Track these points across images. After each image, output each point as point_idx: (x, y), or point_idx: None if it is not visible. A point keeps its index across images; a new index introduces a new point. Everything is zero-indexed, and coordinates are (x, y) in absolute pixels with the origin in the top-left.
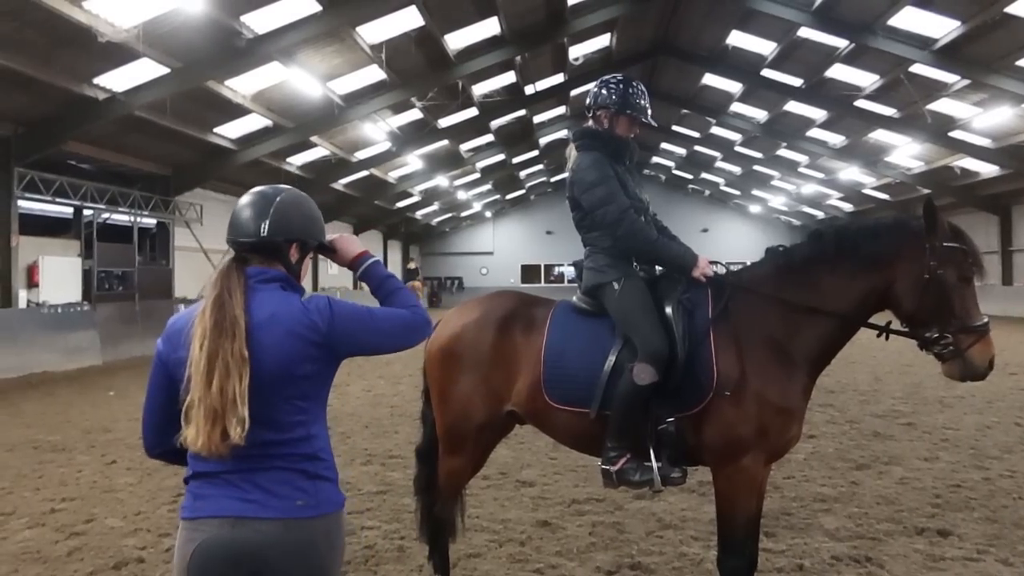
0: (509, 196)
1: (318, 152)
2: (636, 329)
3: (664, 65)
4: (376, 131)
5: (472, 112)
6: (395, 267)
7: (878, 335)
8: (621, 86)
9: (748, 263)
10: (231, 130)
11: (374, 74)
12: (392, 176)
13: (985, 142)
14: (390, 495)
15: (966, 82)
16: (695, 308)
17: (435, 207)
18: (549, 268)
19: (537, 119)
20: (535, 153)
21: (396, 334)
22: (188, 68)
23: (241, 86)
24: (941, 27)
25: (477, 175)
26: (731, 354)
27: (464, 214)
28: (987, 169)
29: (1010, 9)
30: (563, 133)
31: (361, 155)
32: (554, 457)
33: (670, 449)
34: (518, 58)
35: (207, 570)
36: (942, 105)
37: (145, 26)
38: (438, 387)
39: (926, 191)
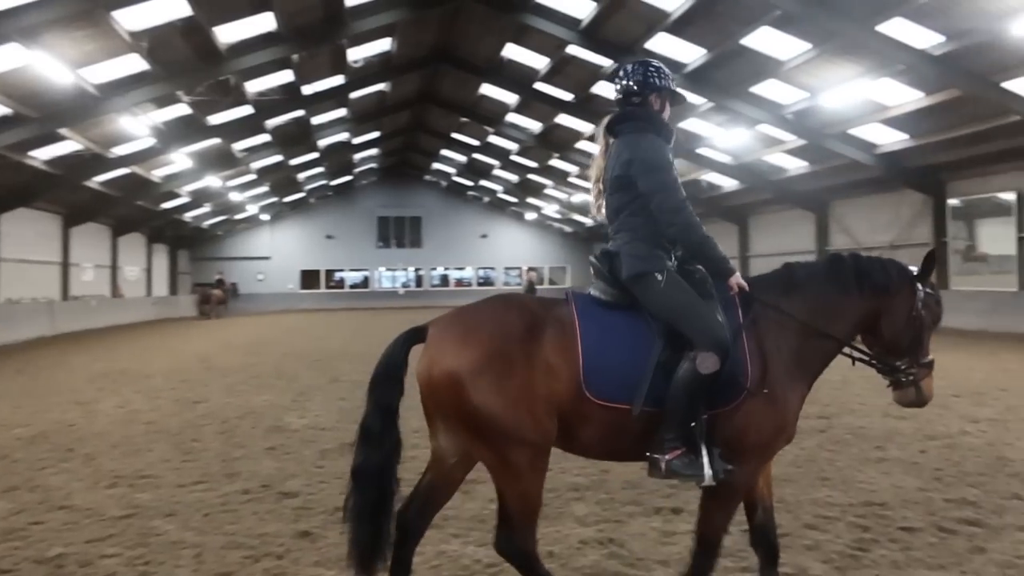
0: (287, 199)
1: (69, 146)
2: (692, 319)
3: (444, 73)
4: (137, 125)
5: (246, 110)
6: (161, 272)
7: (853, 363)
8: (665, 70)
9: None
10: None
11: (134, 64)
12: (156, 175)
13: (726, 159)
14: (137, 518)
15: (711, 104)
16: (726, 307)
17: (206, 209)
18: (330, 273)
19: (316, 120)
20: (315, 155)
21: None
22: None
23: None
24: (690, 54)
25: (253, 176)
26: (758, 356)
27: (238, 217)
28: (728, 183)
29: (745, 41)
30: (344, 136)
31: (120, 151)
32: (321, 466)
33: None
34: (295, 56)
35: None
36: (691, 124)
37: None
38: (486, 411)
39: None
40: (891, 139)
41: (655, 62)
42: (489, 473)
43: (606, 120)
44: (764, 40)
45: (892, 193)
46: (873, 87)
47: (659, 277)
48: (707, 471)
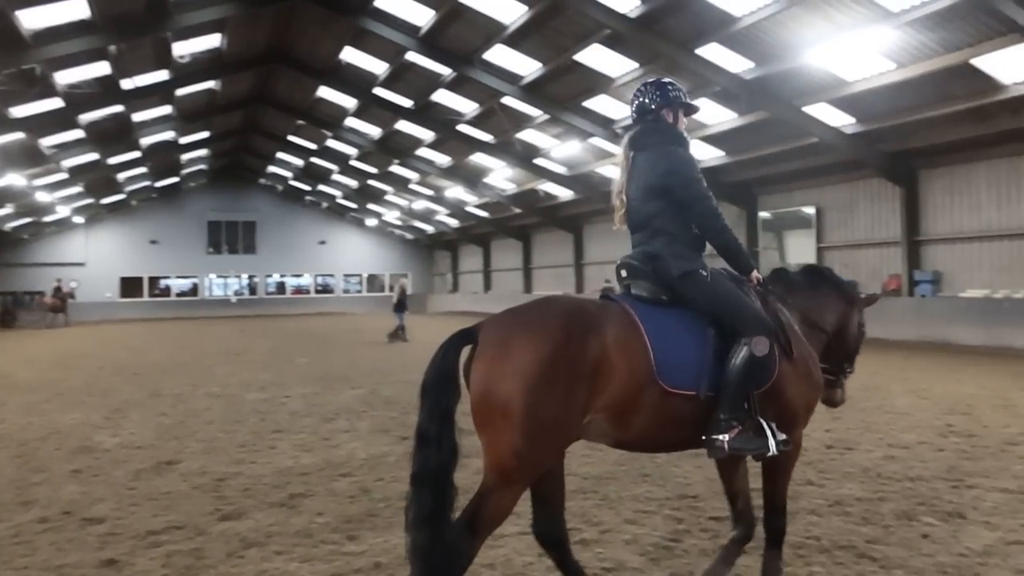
0: (105, 200)
1: None
2: (740, 308)
3: (279, 73)
4: None
5: (55, 103)
6: None
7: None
8: (677, 84)
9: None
10: None
11: None
12: None
13: (562, 170)
14: None
15: (547, 116)
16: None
17: (8, 210)
18: (154, 281)
19: (137, 117)
20: (136, 154)
21: None
22: None
23: None
24: (526, 67)
25: (64, 175)
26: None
27: (48, 219)
28: (564, 193)
29: (578, 57)
30: (169, 135)
31: None
32: (133, 487)
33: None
34: (112, 48)
35: None
36: (528, 135)
37: None
38: (521, 409)
39: (518, 210)
40: (710, 155)
41: (667, 78)
42: (489, 468)
43: (628, 135)
44: (595, 57)
45: None
46: None
47: (704, 273)
48: (771, 442)
